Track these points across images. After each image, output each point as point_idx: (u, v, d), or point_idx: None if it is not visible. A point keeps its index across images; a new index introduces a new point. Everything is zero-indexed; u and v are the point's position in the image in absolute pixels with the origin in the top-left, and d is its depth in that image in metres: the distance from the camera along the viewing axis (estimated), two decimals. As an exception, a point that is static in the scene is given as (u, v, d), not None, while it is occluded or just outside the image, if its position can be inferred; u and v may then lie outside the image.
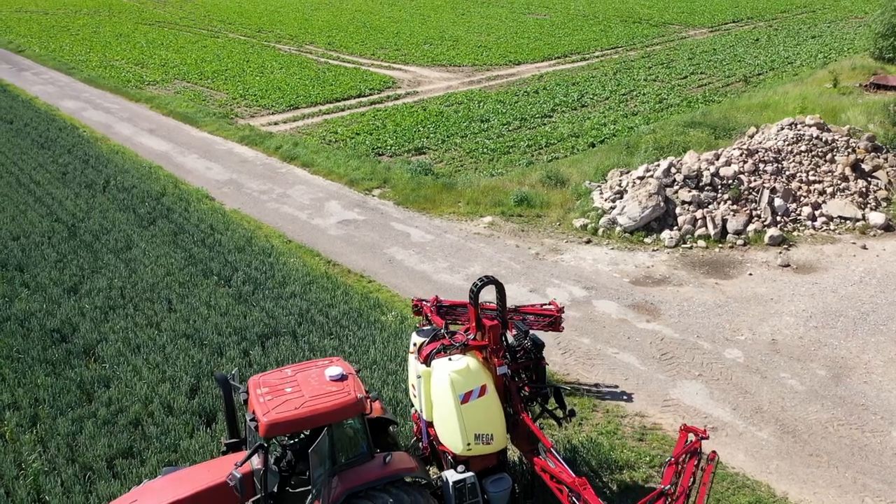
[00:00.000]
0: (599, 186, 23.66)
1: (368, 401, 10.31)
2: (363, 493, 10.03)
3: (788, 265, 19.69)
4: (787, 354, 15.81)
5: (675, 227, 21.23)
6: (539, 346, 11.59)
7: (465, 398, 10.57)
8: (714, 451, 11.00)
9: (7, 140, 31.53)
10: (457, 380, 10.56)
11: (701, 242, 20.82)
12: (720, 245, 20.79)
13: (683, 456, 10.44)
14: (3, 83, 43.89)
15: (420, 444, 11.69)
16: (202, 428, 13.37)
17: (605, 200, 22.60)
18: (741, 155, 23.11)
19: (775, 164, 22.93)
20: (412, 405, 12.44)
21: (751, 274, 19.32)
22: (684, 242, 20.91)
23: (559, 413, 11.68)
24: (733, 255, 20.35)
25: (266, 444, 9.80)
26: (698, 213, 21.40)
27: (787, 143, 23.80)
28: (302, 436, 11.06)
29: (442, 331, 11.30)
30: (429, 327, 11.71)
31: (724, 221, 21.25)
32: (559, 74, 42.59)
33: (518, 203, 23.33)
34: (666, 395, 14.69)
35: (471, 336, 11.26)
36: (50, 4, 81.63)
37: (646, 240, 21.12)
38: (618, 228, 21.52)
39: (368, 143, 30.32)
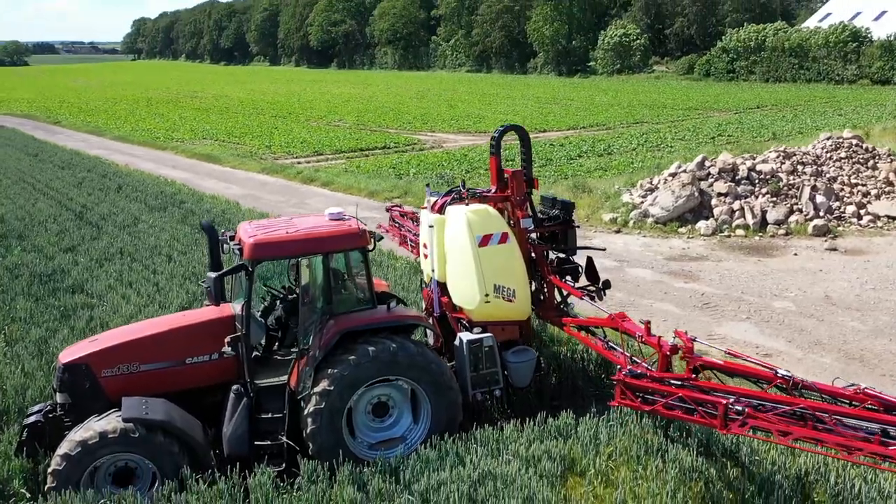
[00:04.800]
0: (629, 190, 22.57)
1: (372, 239, 9.01)
2: (362, 338, 8.57)
3: (836, 249, 18.20)
4: (845, 306, 14.16)
5: (712, 218, 19.94)
6: (568, 206, 10.24)
7: (484, 241, 9.21)
8: None
9: (29, 165, 31.44)
10: (474, 220, 9.26)
11: (739, 232, 19.44)
12: (760, 234, 19.39)
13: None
14: (34, 137, 44.62)
15: (430, 319, 10.18)
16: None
17: (636, 197, 21.46)
18: (778, 157, 22.05)
19: (814, 167, 21.79)
20: (422, 282, 11.00)
21: (796, 254, 17.83)
22: (721, 232, 19.55)
23: (591, 289, 10.16)
24: (775, 242, 18.90)
25: (251, 269, 8.47)
26: (735, 205, 20.12)
27: (825, 150, 22.75)
28: (296, 294, 9.67)
29: (459, 186, 10.06)
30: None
31: (764, 212, 19.93)
32: (584, 137, 42.39)
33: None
34: (711, 331, 13.06)
35: (492, 189, 10.02)
36: (91, 97, 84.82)
37: (680, 230, 19.79)
38: (650, 220, 20.26)
39: (391, 171, 29.76)
